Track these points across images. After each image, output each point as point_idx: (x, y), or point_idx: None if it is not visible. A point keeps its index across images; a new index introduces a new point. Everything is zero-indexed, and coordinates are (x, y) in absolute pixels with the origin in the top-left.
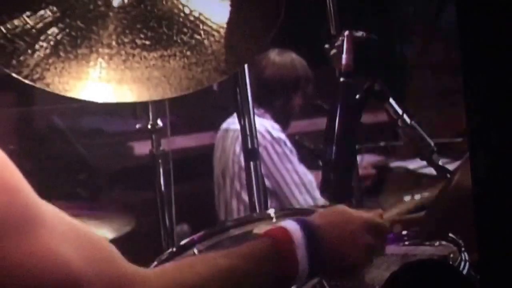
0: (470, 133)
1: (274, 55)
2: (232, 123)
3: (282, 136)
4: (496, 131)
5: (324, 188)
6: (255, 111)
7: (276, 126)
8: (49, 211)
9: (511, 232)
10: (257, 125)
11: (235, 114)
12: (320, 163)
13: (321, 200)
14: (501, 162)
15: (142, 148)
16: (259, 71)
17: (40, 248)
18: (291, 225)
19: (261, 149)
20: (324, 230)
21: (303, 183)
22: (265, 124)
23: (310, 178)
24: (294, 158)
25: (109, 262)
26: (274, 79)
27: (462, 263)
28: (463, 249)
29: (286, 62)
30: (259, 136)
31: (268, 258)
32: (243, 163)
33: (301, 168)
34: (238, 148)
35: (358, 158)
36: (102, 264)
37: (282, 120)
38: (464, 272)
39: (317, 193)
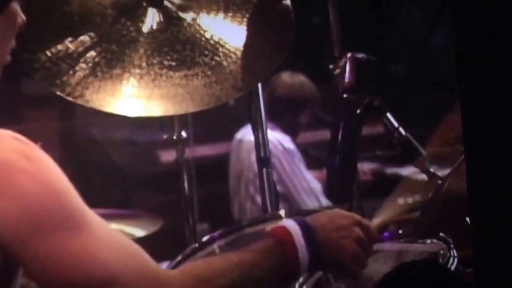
0: (465, 141)
1: (286, 77)
2: (246, 134)
3: (292, 147)
4: (492, 138)
5: (329, 192)
6: (268, 124)
7: (287, 138)
8: (91, 215)
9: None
10: (269, 136)
11: (247, 125)
12: (325, 170)
13: (326, 203)
14: (496, 167)
15: (168, 156)
16: (272, 90)
17: (80, 247)
18: (290, 223)
19: (274, 159)
20: (320, 225)
21: (310, 189)
22: (277, 136)
23: (316, 184)
24: (302, 166)
25: (140, 263)
26: (284, 98)
27: (451, 259)
28: (452, 246)
29: (295, 83)
30: (272, 146)
31: (273, 253)
32: (256, 170)
33: (309, 176)
34: (252, 157)
35: (358, 165)
36: (134, 265)
37: (291, 133)
38: (453, 267)
39: (322, 198)
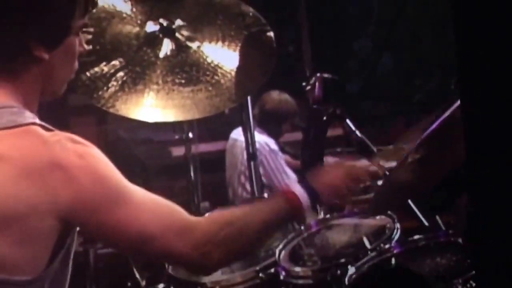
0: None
1: (274, 94)
2: (239, 134)
3: (276, 148)
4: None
5: (301, 179)
6: (257, 128)
7: (272, 140)
8: (133, 191)
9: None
10: (258, 139)
11: (239, 128)
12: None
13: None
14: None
15: (178, 151)
16: (263, 104)
17: (127, 216)
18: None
19: (261, 157)
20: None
21: (288, 179)
22: (264, 139)
23: (293, 176)
24: (283, 162)
25: (175, 217)
26: (271, 110)
27: (396, 230)
28: (396, 220)
29: (281, 100)
30: (260, 147)
31: (279, 199)
32: (247, 164)
33: (287, 169)
34: (244, 153)
35: (324, 159)
36: (170, 219)
37: (275, 137)
38: (397, 236)
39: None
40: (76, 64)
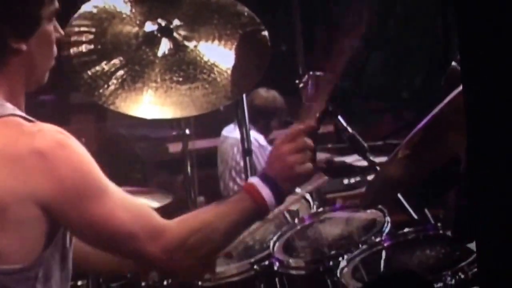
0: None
1: (262, 91)
2: (230, 131)
3: (265, 143)
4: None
5: None
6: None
7: (261, 136)
8: (110, 187)
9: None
10: None
11: (231, 124)
12: None
13: None
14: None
15: (175, 147)
16: (251, 101)
17: (105, 211)
18: (252, 179)
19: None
20: (270, 167)
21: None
22: (254, 135)
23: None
24: None
25: (148, 218)
26: (260, 107)
27: (386, 224)
28: (386, 214)
29: (269, 97)
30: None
31: (244, 199)
32: (237, 159)
33: None
34: (234, 149)
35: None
36: (144, 220)
37: (264, 133)
38: (387, 229)
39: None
40: (55, 50)
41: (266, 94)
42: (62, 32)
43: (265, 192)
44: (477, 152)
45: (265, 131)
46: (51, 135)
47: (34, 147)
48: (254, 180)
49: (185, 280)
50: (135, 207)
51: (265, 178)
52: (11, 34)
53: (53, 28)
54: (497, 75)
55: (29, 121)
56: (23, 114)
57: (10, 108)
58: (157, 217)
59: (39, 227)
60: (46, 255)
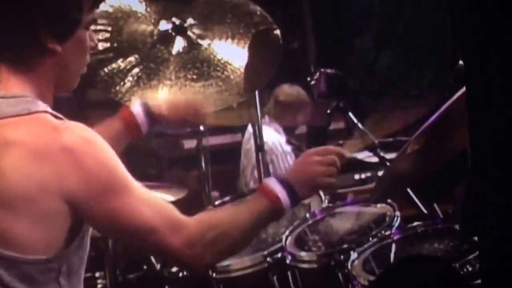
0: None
1: (286, 87)
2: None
3: (288, 149)
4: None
5: None
6: (273, 124)
7: (283, 139)
8: (132, 182)
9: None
10: (273, 138)
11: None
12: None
13: None
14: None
15: (190, 144)
16: (276, 96)
17: (128, 206)
18: (268, 180)
19: (273, 156)
20: (291, 174)
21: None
22: (278, 139)
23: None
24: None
25: (169, 213)
26: (285, 103)
27: (395, 218)
28: (396, 208)
29: (293, 92)
30: (273, 146)
31: (261, 200)
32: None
33: None
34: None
35: None
36: (166, 214)
37: (288, 130)
38: (397, 223)
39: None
40: (88, 58)
41: (290, 89)
42: (96, 41)
43: (282, 195)
44: (480, 150)
45: (291, 126)
46: (79, 132)
47: (62, 143)
48: (272, 182)
49: (201, 274)
50: (156, 202)
51: (283, 181)
52: (49, 35)
53: (88, 36)
54: (499, 74)
55: (59, 118)
56: (54, 112)
57: (42, 105)
58: (177, 213)
59: (64, 221)
60: (69, 250)
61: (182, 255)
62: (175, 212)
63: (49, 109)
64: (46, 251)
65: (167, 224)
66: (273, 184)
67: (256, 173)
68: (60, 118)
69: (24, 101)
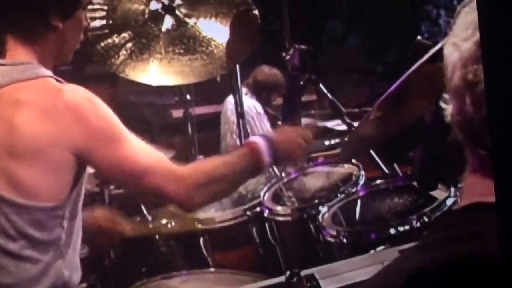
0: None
1: (265, 68)
2: (230, 100)
3: (261, 111)
4: None
5: None
6: (249, 94)
7: (259, 104)
8: (129, 134)
9: None
10: (247, 102)
11: (230, 95)
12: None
13: None
14: None
15: (178, 113)
16: (255, 76)
17: (126, 151)
18: (256, 138)
19: (249, 117)
20: (276, 138)
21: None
22: (253, 103)
23: (272, 131)
24: (267, 122)
25: (162, 162)
26: (262, 82)
27: (361, 177)
28: (361, 168)
29: (271, 73)
30: (248, 109)
31: (247, 155)
32: (235, 121)
33: (269, 128)
34: (233, 114)
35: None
36: (160, 161)
37: (264, 104)
38: (362, 182)
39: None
40: (82, 36)
41: (268, 71)
42: (89, 21)
43: (266, 153)
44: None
45: (266, 102)
46: (80, 93)
47: (67, 101)
48: (258, 140)
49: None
50: (151, 149)
51: (267, 140)
52: (54, 14)
53: (83, 16)
54: None
55: (61, 82)
56: (57, 77)
57: (46, 71)
58: (171, 162)
59: (70, 170)
60: (72, 196)
61: (176, 195)
62: (169, 162)
63: (53, 75)
64: (55, 199)
65: (162, 166)
66: (256, 138)
67: (234, 136)
68: (63, 82)
69: (31, 67)
